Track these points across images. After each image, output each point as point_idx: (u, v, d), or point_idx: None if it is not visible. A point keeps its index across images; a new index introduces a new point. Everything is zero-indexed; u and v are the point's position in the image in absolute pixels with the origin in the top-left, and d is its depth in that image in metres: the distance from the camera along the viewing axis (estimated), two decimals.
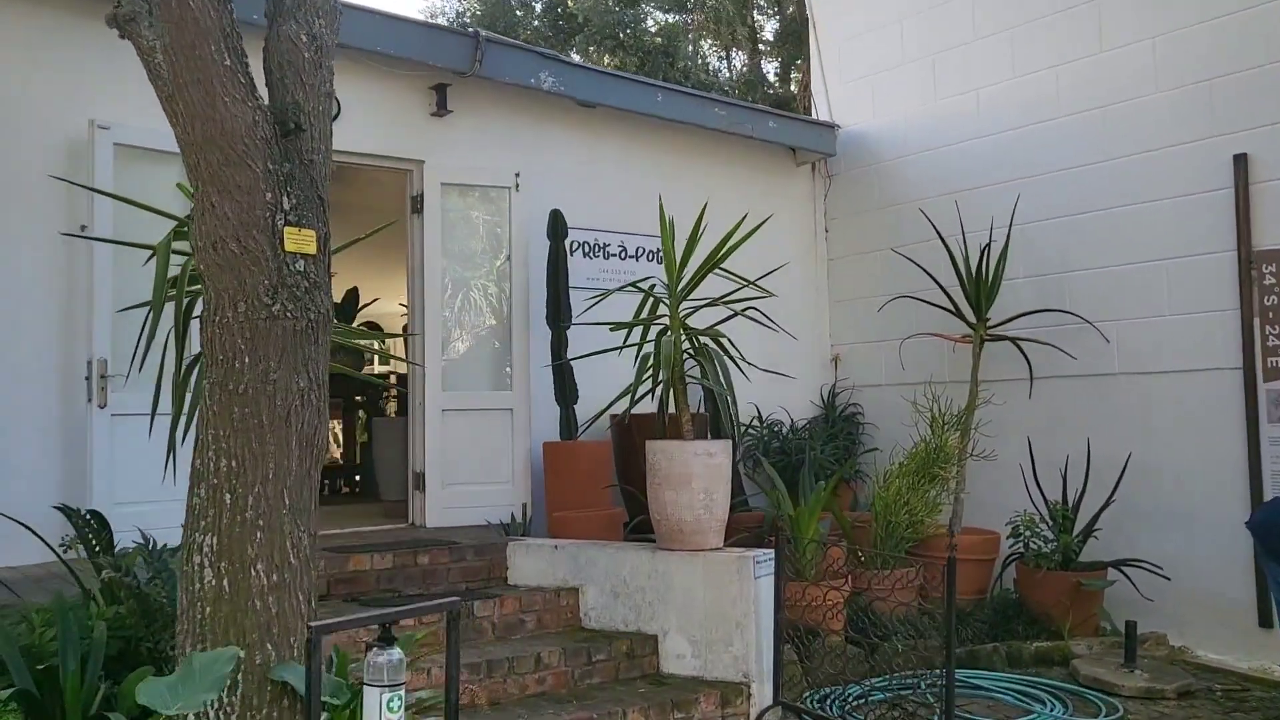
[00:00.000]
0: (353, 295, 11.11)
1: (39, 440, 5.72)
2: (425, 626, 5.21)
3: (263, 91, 3.31)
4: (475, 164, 7.25)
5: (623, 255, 7.98)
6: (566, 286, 7.19)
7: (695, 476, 5.39)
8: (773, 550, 5.28)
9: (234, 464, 2.98)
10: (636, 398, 5.70)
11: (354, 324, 11.02)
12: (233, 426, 3.00)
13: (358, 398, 11.65)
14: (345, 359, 10.71)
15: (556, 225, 7.23)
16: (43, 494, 5.35)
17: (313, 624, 2.23)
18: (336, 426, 11.84)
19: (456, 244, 7.19)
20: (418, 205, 7.07)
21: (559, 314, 7.13)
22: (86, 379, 5.72)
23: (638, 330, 6.07)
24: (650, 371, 5.74)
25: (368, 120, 6.89)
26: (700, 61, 17.73)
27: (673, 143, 8.21)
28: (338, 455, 12.05)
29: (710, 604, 5.32)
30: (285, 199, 3.15)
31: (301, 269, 3.15)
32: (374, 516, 7.68)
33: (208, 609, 2.93)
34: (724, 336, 5.87)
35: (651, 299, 6.03)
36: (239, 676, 2.88)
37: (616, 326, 6.14)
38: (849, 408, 8.72)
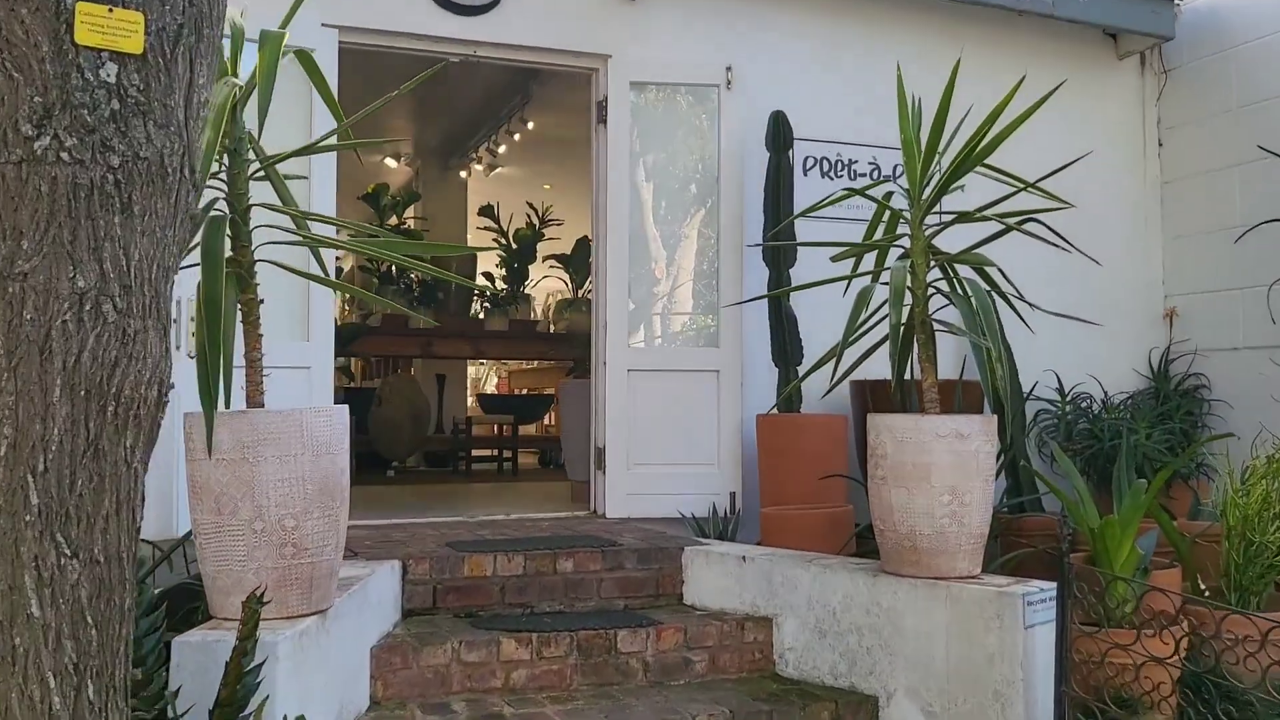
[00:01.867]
0: (584, 246, 9.87)
1: None
2: (545, 660, 3.78)
3: None
4: (674, 58, 5.69)
5: (875, 175, 6.16)
6: (791, 212, 5.50)
7: (936, 468, 3.61)
8: (1055, 585, 3.43)
9: None
10: (842, 356, 3.96)
11: (587, 281, 9.81)
12: None
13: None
14: (575, 316, 9.52)
15: (778, 132, 5.56)
16: None
17: None
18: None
19: (650, 159, 5.68)
20: (602, 112, 5.61)
21: (778, 250, 5.47)
22: (175, 321, 4.70)
23: (877, 264, 4.33)
24: (876, 315, 3.99)
25: (539, 6, 5.50)
26: None
27: (942, 28, 6.27)
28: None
29: (957, 660, 3.54)
30: None
31: (109, 79, 1.74)
32: (559, 499, 6.35)
33: None
34: (992, 265, 4.02)
35: (889, 212, 4.25)
36: None
37: (840, 256, 4.41)
38: (1188, 379, 6.48)
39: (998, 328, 3.74)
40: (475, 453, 9.21)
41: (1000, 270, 4.04)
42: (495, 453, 9.05)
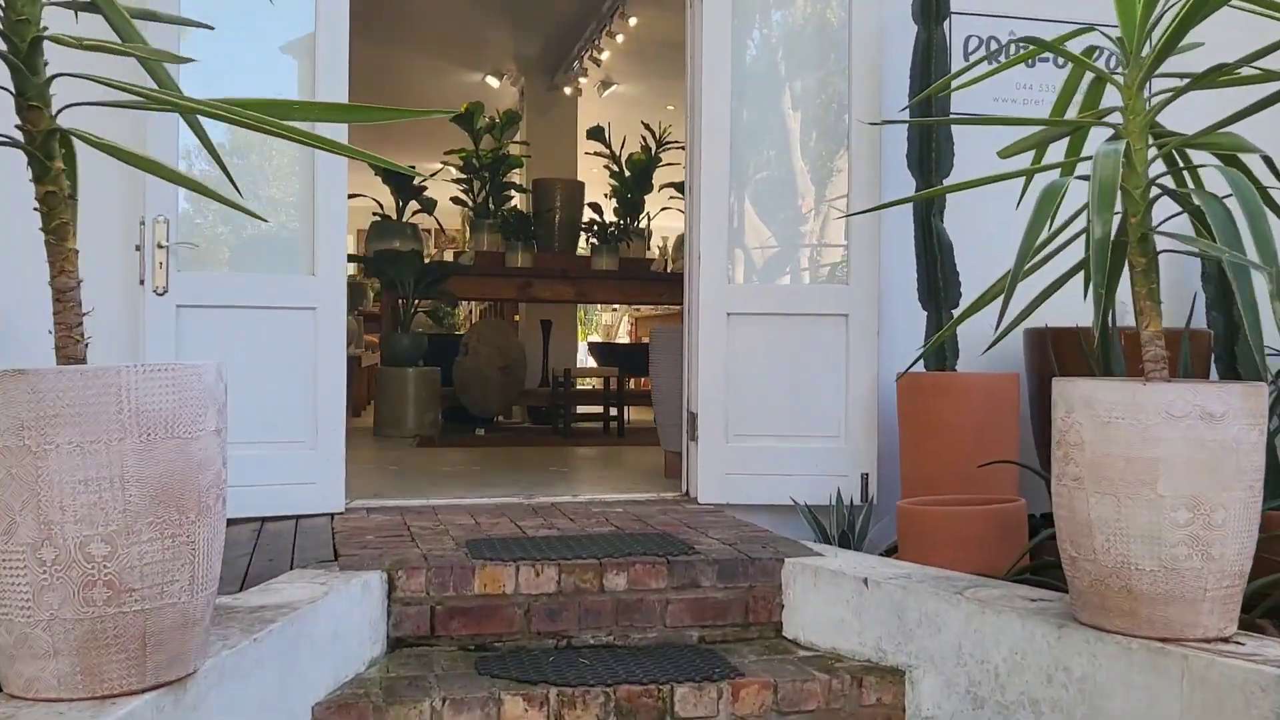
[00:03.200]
0: None
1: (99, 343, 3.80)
2: None
3: None
4: None
5: (1066, 64, 4.68)
6: (946, 103, 4.13)
7: (1166, 467, 2.27)
8: None
9: None
10: (1013, 289, 2.58)
11: None
12: None
13: None
14: None
15: None
16: None
17: None
18: None
19: (758, 42, 4.39)
20: None
21: (928, 152, 4.11)
22: (138, 249, 3.69)
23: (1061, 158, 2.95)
24: (1068, 229, 2.64)
25: None
26: None
27: None
28: None
29: None
30: None
31: None
32: (649, 475, 5.18)
33: None
34: (1256, 151, 2.59)
35: (1089, 77, 2.87)
36: None
37: (1013, 149, 3.03)
38: None
39: (1275, 244, 2.35)
40: (581, 409, 8.11)
41: (1268, 159, 2.62)
42: (602, 409, 7.93)
